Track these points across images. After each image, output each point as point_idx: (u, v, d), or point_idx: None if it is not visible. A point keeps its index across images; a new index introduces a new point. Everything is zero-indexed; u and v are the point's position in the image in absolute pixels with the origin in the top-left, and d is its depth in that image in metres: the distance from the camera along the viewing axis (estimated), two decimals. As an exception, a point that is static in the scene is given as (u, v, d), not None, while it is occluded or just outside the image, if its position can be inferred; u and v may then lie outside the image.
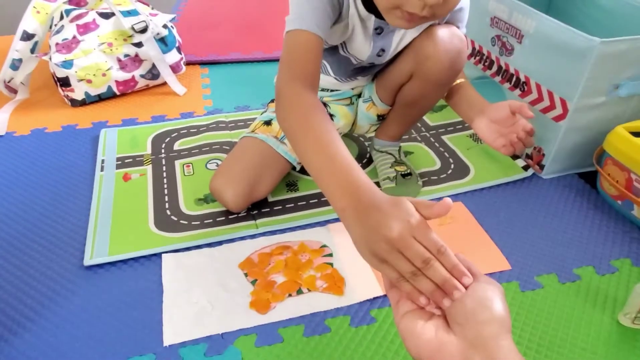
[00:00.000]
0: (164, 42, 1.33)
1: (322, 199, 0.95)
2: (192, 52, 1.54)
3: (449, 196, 0.86)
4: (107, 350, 0.68)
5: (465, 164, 1.06)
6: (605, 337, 0.71)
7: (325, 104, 1.00)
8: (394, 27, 0.82)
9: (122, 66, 1.27)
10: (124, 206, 0.93)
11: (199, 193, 0.97)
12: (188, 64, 1.48)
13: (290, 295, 0.76)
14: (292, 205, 0.94)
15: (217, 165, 1.04)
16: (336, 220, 0.91)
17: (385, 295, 0.76)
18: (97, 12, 1.27)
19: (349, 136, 1.14)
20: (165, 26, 1.33)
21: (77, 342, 0.69)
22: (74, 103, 1.27)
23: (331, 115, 1.00)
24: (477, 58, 1.20)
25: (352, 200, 0.51)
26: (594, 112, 0.94)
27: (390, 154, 1.03)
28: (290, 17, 0.70)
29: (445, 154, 1.10)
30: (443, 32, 0.83)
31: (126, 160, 1.06)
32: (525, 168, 1.04)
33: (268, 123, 0.95)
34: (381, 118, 1.02)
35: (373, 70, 0.96)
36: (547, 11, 1.27)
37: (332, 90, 1.00)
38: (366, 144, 1.13)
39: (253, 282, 0.78)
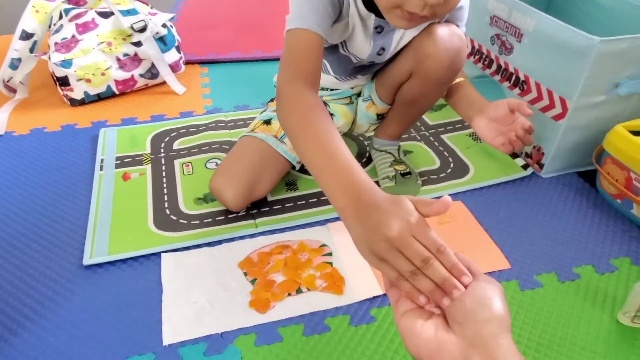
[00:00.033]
0: (163, 42, 1.33)
1: (322, 198, 0.95)
2: (192, 51, 1.54)
3: (448, 195, 0.86)
4: (106, 350, 0.68)
5: (465, 163, 1.06)
6: (605, 336, 0.71)
7: (324, 103, 1.00)
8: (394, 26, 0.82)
9: (121, 65, 1.27)
10: (123, 206, 0.93)
11: (199, 192, 0.96)
12: (187, 63, 1.48)
13: (289, 294, 0.76)
14: (292, 204, 0.94)
15: (217, 164, 1.04)
16: (335, 219, 0.91)
17: (384, 295, 0.76)
18: (96, 11, 1.27)
19: (348, 135, 1.14)
20: (164, 25, 1.33)
21: (76, 342, 0.69)
22: (73, 102, 1.27)
23: (331, 115, 1.00)
24: (477, 57, 1.20)
25: (352, 199, 0.51)
26: (594, 111, 0.94)
27: (389, 153, 1.03)
28: (290, 16, 0.70)
29: (445, 153, 1.10)
30: (443, 31, 0.83)
31: (125, 160, 1.06)
32: (525, 167, 1.05)
33: (267, 122, 0.95)
34: (381, 117, 1.02)
35: (373, 69, 0.96)
36: (547, 10, 1.27)
37: (331, 90, 1.00)
38: (365, 143, 1.13)
39: (252, 282, 0.78)
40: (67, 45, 1.21)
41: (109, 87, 1.27)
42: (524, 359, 0.43)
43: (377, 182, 0.99)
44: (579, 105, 0.92)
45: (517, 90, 1.05)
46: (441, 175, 1.03)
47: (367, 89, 1.00)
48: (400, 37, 0.86)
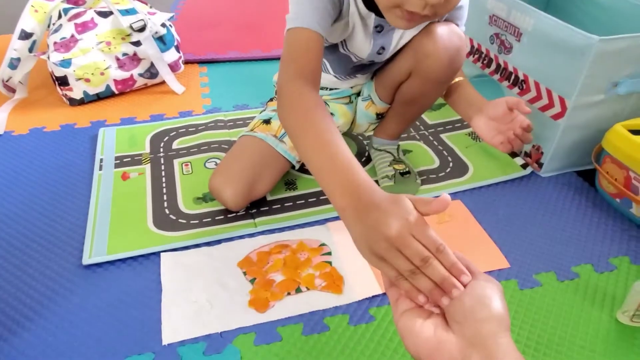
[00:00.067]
0: (162, 41, 1.33)
1: (321, 198, 0.95)
2: (191, 50, 1.54)
3: (447, 194, 0.86)
4: (106, 349, 0.68)
5: (464, 162, 1.06)
6: (604, 335, 0.71)
7: (324, 103, 1.00)
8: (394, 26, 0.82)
9: (121, 65, 1.27)
10: (123, 205, 0.93)
11: (198, 192, 0.96)
12: (186, 62, 1.48)
13: (289, 293, 0.76)
14: (291, 204, 0.94)
15: (216, 164, 1.04)
16: (335, 218, 0.91)
17: (384, 294, 0.76)
18: (95, 10, 1.27)
19: (347, 135, 1.14)
20: (163, 25, 1.33)
21: (76, 341, 0.69)
22: (73, 102, 1.27)
23: (330, 114, 1.00)
24: (476, 56, 1.20)
25: (352, 199, 0.51)
26: (593, 110, 0.94)
27: (388, 152, 1.03)
28: (290, 15, 0.70)
29: (444, 152, 1.10)
30: (442, 30, 0.83)
31: (125, 160, 1.06)
32: (524, 166, 1.05)
33: (267, 122, 0.95)
34: (380, 116, 1.02)
35: (372, 68, 0.96)
36: (546, 9, 1.27)
37: (331, 89, 1.00)
38: (365, 142, 1.13)
39: (252, 281, 0.78)
40: (66, 44, 1.21)
41: (108, 86, 1.27)
42: (523, 358, 0.43)
43: (376, 182, 0.99)
44: (578, 104, 0.92)
45: (516, 90, 1.05)
46: (440, 175, 1.03)
47: (367, 88, 1.00)
48: (400, 37, 0.86)
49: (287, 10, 0.72)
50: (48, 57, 1.20)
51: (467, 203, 0.95)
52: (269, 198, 0.95)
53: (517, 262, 0.82)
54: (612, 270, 0.81)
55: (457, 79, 0.94)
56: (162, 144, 1.11)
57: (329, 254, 0.83)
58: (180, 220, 0.90)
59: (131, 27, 1.25)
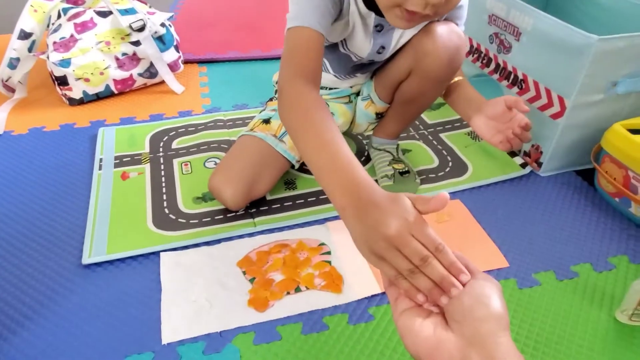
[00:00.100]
0: (161, 41, 1.33)
1: (320, 197, 0.95)
2: (190, 50, 1.54)
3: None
4: (105, 349, 0.68)
5: (463, 162, 1.07)
6: (603, 334, 0.71)
7: (325, 102, 1.00)
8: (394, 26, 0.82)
9: (120, 65, 1.27)
10: (122, 205, 0.93)
11: (197, 191, 0.97)
12: (186, 62, 1.48)
13: (288, 293, 0.76)
14: (290, 203, 0.94)
15: (215, 163, 1.04)
16: (334, 218, 0.91)
17: (383, 293, 0.76)
18: (94, 10, 1.27)
19: (347, 134, 1.14)
20: (163, 25, 1.33)
21: (75, 341, 0.69)
22: (72, 102, 1.27)
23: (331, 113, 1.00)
24: (475, 56, 1.20)
25: (352, 198, 0.51)
26: (592, 109, 0.94)
27: (388, 151, 1.03)
28: (291, 14, 0.70)
29: (443, 151, 1.10)
30: (442, 29, 0.83)
31: (124, 159, 1.06)
32: (523, 166, 1.05)
33: (267, 121, 0.95)
34: (380, 116, 1.02)
35: (372, 68, 0.96)
36: (545, 9, 1.27)
37: (330, 89, 1.00)
38: (364, 142, 1.13)
39: (251, 280, 0.78)
40: (66, 44, 1.21)
41: (107, 86, 1.27)
42: (522, 357, 0.43)
43: (375, 181, 0.99)
44: (577, 103, 0.92)
45: (515, 89, 1.05)
46: (440, 174, 1.03)
47: (366, 87, 1.00)
48: (399, 36, 0.86)
49: (286, 10, 0.72)
50: (47, 57, 1.20)
51: (466, 202, 0.95)
52: (269, 197, 0.95)
53: (516, 261, 0.83)
54: (611, 270, 0.81)
55: (456, 79, 0.95)
56: (161, 144, 1.11)
57: (329, 253, 0.83)
58: (179, 219, 0.90)
59: (130, 26, 1.25)
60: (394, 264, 0.47)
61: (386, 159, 1.01)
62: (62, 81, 1.22)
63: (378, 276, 0.78)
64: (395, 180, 0.97)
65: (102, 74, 1.25)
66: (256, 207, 0.93)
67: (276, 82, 1.06)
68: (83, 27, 1.23)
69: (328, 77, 0.97)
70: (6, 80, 1.25)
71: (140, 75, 1.31)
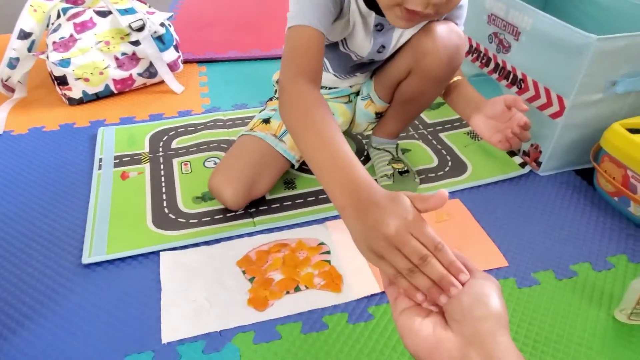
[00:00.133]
0: (161, 41, 1.33)
1: (320, 197, 0.95)
2: (190, 50, 1.54)
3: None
4: (105, 348, 0.68)
5: (463, 161, 1.07)
6: (601, 333, 0.71)
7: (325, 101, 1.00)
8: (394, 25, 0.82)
9: (120, 64, 1.27)
10: (122, 204, 0.93)
11: (197, 191, 0.97)
12: (185, 62, 1.48)
13: (288, 292, 0.76)
14: (290, 203, 0.94)
15: (215, 163, 1.04)
16: (334, 217, 0.91)
17: (382, 292, 0.76)
18: (94, 10, 1.27)
19: (346, 134, 1.14)
20: (162, 24, 1.33)
21: (75, 340, 0.69)
22: (72, 102, 1.27)
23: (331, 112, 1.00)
24: (475, 55, 1.20)
25: (352, 198, 0.51)
26: (591, 109, 0.94)
27: (387, 151, 1.03)
28: (291, 13, 0.70)
29: (443, 151, 1.10)
30: (441, 29, 0.84)
31: (124, 159, 1.06)
32: (523, 165, 1.05)
33: (266, 121, 0.95)
34: (379, 116, 1.02)
35: (372, 67, 0.96)
36: (544, 8, 1.27)
37: (330, 88, 1.00)
38: (364, 141, 1.14)
39: (251, 280, 0.78)
40: (65, 44, 1.21)
41: (107, 86, 1.27)
42: (521, 355, 0.43)
43: (375, 180, 0.99)
44: (576, 103, 0.92)
45: (514, 89, 1.06)
46: (439, 174, 1.03)
47: (366, 87, 1.00)
48: (400, 35, 0.86)
49: (286, 9, 0.72)
50: (47, 57, 1.20)
51: (465, 202, 0.95)
52: (268, 197, 0.95)
53: (515, 260, 0.83)
54: (610, 269, 0.82)
55: (455, 78, 0.95)
56: (161, 144, 1.11)
57: (328, 252, 0.83)
58: (179, 219, 0.90)
59: (130, 26, 1.25)
60: (394, 263, 0.47)
61: (385, 159, 1.01)
62: (62, 81, 1.22)
63: (377, 275, 0.78)
64: (394, 180, 0.97)
65: (101, 73, 1.25)
66: (256, 206, 0.93)
67: (276, 82, 1.06)
68: (82, 27, 1.23)
69: (328, 77, 0.97)
70: (6, 80, 1.25)
71: (139, 75, 1.31)
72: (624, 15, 1.10)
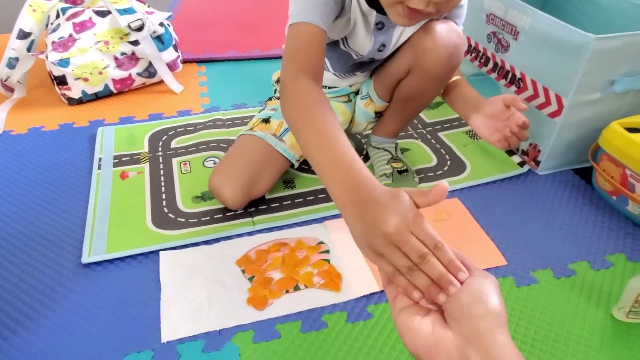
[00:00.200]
0: (160, 40, 1.33)
1: (319, 196, 0.96)
2: (189, 50, 1.54)
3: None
4: (105, 347, 0.68)
5: (462, 161, 1.07)
6: (600, 331, 0.71)
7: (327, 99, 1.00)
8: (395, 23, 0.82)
9: (119, 64, 1.27)
10: (122, 204, 0.93)
11: (197, 191, 0.97)
12: (185, 62, 1.48)
13: (287, 291, 0.76)
14: (289, 202, 0.94)
15: (215, 163, 1.04)
16: (333, 217, 0.91)
17: (381, 291, 0.76)
18: (93, 10, 1.27)
19: (346, 133, 1.14)
20: (161, 24, 1.33)
21: (75, 340, 0.69)
22: (71, 101, 1.27)
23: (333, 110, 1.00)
24: (473, 55, 1.20)
25: (352, 197, 0.51)
26: (589, 108, 0.94)
27: (386, 150, 1.03)
28: (292, 11, 0.70)
29: (442, 150, 1.10)
30: (441, 27, 0.84)
31: (123, 159, 1.06)
32: (521, 164, 1.05)
33: (266, 121, 0.95)
34: (379, 115, 1.02)
35: (372, 66, 0.96)
36: (543, 8, 1.27)
37: (330, 87, 1.00)
38: (363, 140, 1.14)
39: (250, 279, 0.78)
40: (65, 44, 1.21)
41: (106, 86, 1.28)
42: (520, 354, 0.43)
43: (375, 178, 1.00)
44: (574, 102, 0.92)
45: (513, 88, 1.06)
46: (438, 173, 1.03)
47: (366, 86, 1.00)
48: (400, 34, 0.86)
49: (286, 9, 0.72)
50: (46, 57, 1.20)
51: (464, 201, 0.95)
52: (268, 197, 0.96)
53: (513, 259, 0.83)
54: (608, 267, 0.82)
55: (454, 78, 0.95)
56: (160, 143, 1.12)
57: (327, 252, 0.84)
58: (179, 219, 0.90)
59: (129, 26, 1.25)
60: (393, 261, 0.47)
61: (385, 158, 1.01)
62: (61, 81, 1.22)
63: (377, 274, 0.78)
64: (393, 179, 0.97)
65: (101, 73, 1.25)
66: (255, 206, 0.93)
67: (275, 82, 1.06)
68: (82, 27, 1.23)
69: (328, 76, 0.97)
70: (5, 80, 1.25)
71: (139, 74, 1.31)
72: (622, 15, 1.10)
